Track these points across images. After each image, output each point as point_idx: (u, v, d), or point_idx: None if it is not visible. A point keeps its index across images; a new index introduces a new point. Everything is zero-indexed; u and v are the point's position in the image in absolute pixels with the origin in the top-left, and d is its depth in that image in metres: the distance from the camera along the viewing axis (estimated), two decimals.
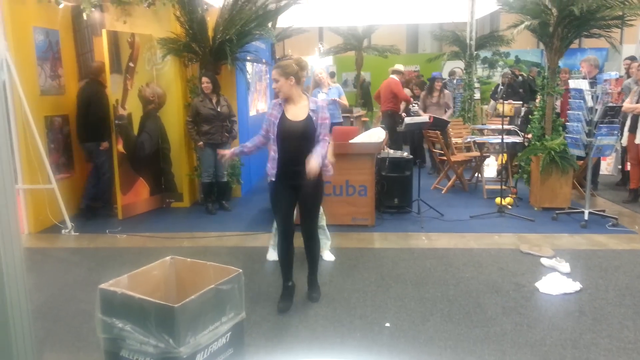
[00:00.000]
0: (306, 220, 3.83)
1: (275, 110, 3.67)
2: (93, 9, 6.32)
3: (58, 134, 6.17)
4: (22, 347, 2.06)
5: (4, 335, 2.03)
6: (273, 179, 3.68)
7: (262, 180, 7.67)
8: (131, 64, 6.19)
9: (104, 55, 5.89)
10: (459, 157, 7.75)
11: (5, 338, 2.03)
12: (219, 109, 6.23)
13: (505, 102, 8.52)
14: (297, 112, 3.62)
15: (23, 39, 5.61)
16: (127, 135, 6.21)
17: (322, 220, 4.82)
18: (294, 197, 3.75)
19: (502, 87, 9.19)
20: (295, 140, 3.58)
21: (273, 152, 3.66)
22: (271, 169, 3.68)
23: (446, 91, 9.21)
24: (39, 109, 5.75)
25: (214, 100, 6.25)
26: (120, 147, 6.11)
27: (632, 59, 7.79)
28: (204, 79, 6.23)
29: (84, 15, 6.29)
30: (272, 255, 4.78)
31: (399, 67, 9.71)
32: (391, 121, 9.13)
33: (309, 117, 3.59)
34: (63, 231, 5.70)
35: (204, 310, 2.37)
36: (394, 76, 9.34)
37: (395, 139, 8.99)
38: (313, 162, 3.43)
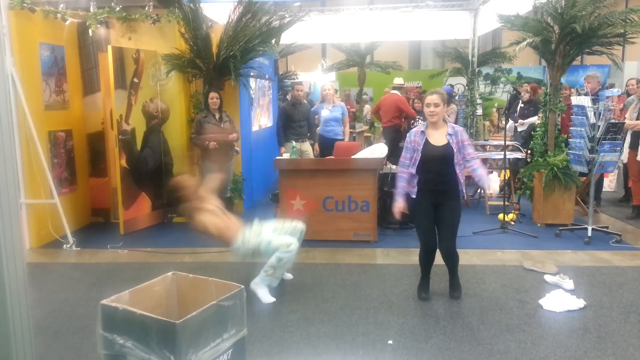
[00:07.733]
0: (444, 238, 4.08)
1: (418, 137, 4.05)
2: (99, 26, 6.41)
3: (61, 149, 6.20)
4: None
5: (5, 350, 2.02)
6: (414, 196, 4.07)
7: (264, 196, 7.66)
8: (135, 80, 6.24)
9: (109, 71, 5.94)
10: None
11: (6, 353, 2.02)
12: (222, 125, 6.25)
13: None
14: (438, 138, 4.01)
15: (29, 54, 5.68)
16: (130, 150, 6.23)
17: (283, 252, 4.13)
18: (434, 214, 4.06)
19: (521, 105, 8.64)
20: (437, 163, 3.97)
21: (411, 174, 4.07)
22: (410, 187, 4.09)
23: (452, 105, 9.16)
24: (42, 124, 5.79)
25: (217, 117, 6.27)
26: (123, 162, 6.13)
27: None
28: (213, 95, 6.22)
29: (90, 32, 6.37)
30: (267, 297, 4.18)
31: (399, 81, 9.47)
32: (394, 136, 9.13)
33: (448, 142, 3.97)
34: (65, 246, 5.70)
35: (205, 327, 2.36)
36: (396, 92, 9.30)
37: (397, 155, 8.96)
38: (490, 184, 4.05)
